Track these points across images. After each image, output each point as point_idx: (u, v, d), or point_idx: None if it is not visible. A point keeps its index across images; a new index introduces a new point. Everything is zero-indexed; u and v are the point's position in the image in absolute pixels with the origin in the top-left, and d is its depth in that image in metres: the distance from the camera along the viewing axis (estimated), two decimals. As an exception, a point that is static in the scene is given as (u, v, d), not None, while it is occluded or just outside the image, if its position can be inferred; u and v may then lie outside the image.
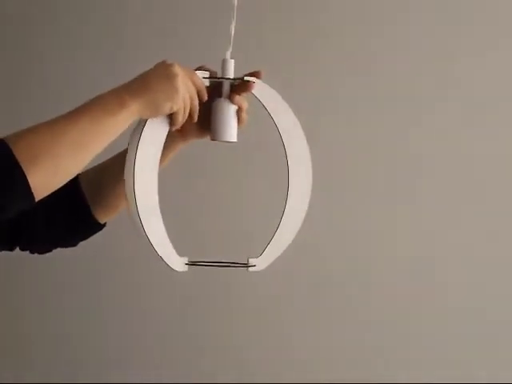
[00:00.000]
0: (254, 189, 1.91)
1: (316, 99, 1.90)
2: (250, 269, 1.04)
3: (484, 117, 1.89)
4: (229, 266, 1.04)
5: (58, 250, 1.88)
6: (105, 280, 1.96)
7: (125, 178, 1.00)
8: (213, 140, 1.05)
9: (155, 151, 1.00)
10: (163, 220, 1.01)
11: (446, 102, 1.90)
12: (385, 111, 1.91)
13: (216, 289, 1.92)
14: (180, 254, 1.03)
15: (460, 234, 1.89)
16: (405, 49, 1.91)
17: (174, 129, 1.01)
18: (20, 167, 0.87)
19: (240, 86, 1.04)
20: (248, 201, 1.93)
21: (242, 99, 1.03)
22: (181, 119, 1.00)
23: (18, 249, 1.14)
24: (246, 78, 1.03)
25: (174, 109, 0.98)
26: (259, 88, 1.04)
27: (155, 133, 1.00)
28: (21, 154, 0.87)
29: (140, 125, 0.99)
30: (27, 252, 1.16)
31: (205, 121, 1.05)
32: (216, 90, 1.04)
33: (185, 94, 0.98)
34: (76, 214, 1.11)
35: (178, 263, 1.02)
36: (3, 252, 1.14)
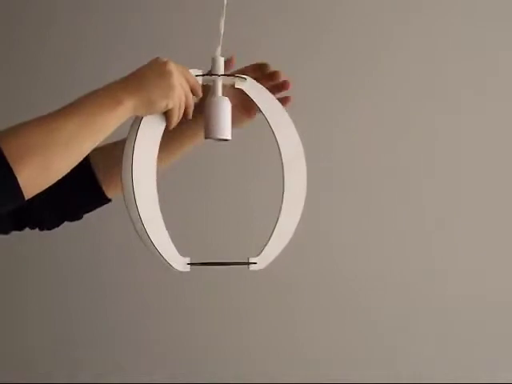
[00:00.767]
0: (253, 188, 1.91)
1: (313, 98, 1.89)
2: (251, 267, 1.04)
3: (484, 117, 1.89)
4: (230, 265, 1.04)
5: (59, 249, 1.90)
6: (105, 280, 1.96)
7: (122, 178, 0.99)
8: (206, 138, 1.04)
9: (152, 149, 1.00)
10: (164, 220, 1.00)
11: (446, 101, 1.89)
12: (385, 111, 1.90)
13: (217, 288, 1.92)
14: (181, 254, 1.02)
15: (461, 233, 1.88)
16: (406, 49, 1.90)
17: (170, 127, 1.00)
18: (9, 165, 0.85)
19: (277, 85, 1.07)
20: (247, 200, 1.92)
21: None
22: (176, 117, 1.00)
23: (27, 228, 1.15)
24: (236, 75, 1.04)
25: (170, 106, 0.98)
26: (253, 87, 1.04)
27: (151, 130, 0.99)
28: (10, 151, 0.86)
29: (136, 123, 0.99)
30: (36, 230, 1.16)
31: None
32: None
33: (180, 92, 0.98)
34: (86, 189, 1.11)
35: (180, 263, 1.02)
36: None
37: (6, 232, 1.13)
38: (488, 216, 1.88)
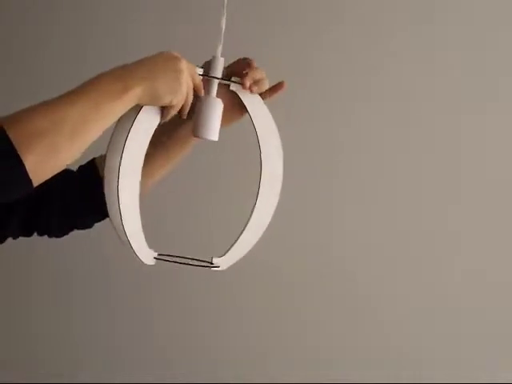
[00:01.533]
0: (227, 187, 1.91)
1: (311, 99, 1.90)
2: (213, 269, 1.06)
3: (486, 118, 1.89)
4: (193, 265, 1.05)
5: (61, 248, 1.89)
6: (105, 280, 1.97)
7: (107, 161, 0.99)
8: (195, 137, 1.04)
9: (144, 142, 1.00)
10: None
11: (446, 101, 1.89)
12: (385, 112, 1.91)
13: (217, 288, 1.92)
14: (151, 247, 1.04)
15: (462, 233, 1.88)
16: (407, 49, 1.90)
17: (161, 121, 1.00)
18: (16, 152, 0.84)
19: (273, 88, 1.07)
20: (219, 200, 1.92)
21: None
22: (174, 113, 1.00)
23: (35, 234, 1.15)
24: (233, 79, 1.04)
25: (173, 103, 0.98)
26: (246, 93, 1.05)
27: (147, 122, 0.99)
28: (16, 138, 0.84)
29: (133, 111, 0.98)
30: (45, 236, 1.16)
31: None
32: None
33: (185, 91, 0.98)
34: (93, 199, 1.09)
35: (147, 256, 1.04)
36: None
37: (14, 237, 1.12)
38: (489, 217, 1.88)
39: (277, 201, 1.07)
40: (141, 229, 1.01)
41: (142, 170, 1.00)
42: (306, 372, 1.90)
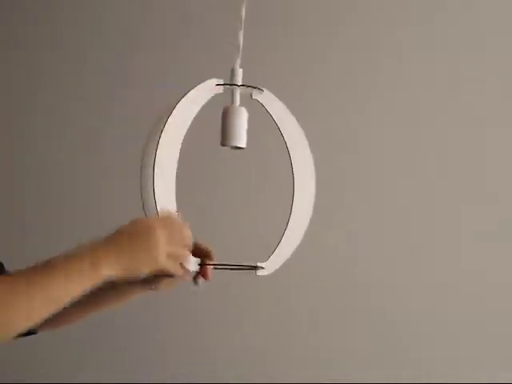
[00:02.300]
0: (263, 193, 1.93)
1: (321, 103, 1.93)
2: (258, 272, 1.07)
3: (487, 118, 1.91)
4: (239, 269, 1.06)
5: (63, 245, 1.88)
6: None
7: (142, 185, 1.01)
8: (222, 145, 1.06)
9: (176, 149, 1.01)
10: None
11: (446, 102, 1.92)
12: (387, 112, 1.93)
13: (217, 288, 1.92)
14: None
15: (465, 233, 1.90)
16: (409, 49, 1.93)
17: (180, 279, 1.01)
18: None
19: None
20: (257, 205, 1.94)
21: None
22: (174, 271, 0.98)
23: None
24: (254, 86, 1.06)
25: (153, 273, 0.96)
26: (269, 100, 1.07)
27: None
28: None
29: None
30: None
31: None
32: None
33: (163, 259, 0.96)
34: None
35: (191, 263, 1.03)
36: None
37: None
38: (489, 216, 1.89)
39: (313, 201, 1.08)
40: None
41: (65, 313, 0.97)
42: (307, 372, 1.91)
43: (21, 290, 0.88)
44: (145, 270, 0.95)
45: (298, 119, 1.09)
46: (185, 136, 1.01)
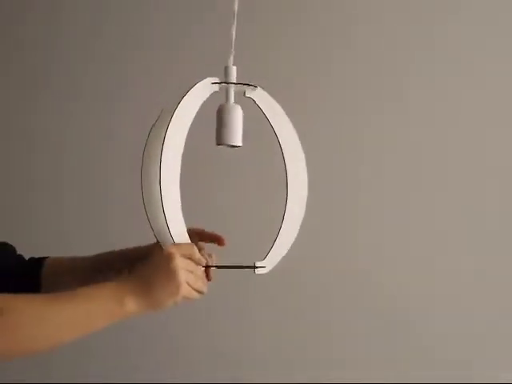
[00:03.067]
0: (258, 191, 1.92)
1: (318, 101, 1.92)
2: (257, 271, 1.07)
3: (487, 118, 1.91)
4: (238, 268, 1.06)
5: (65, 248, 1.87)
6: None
7: (143, 189, 1.01)
8: (218, 145, 1.05)
9: (176, 158, 1.01)
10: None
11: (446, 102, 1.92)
12: (388, 112, 1.93)
13: (217, 288, 1.92)
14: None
15: (469, 232, 1.90)
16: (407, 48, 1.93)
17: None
18: None
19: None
20: (252, 203, 1.93)
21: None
22: (192, 297, 1.00)
23: None
24: (248, 84, 1.05)
25: (178, 302, 0.98)
26: (262, 97, 1.06)
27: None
28: (5, 329, 0.88)
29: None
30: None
31: None
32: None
33: (185, 287, 0.98)
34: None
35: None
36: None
37: None
38: (491, 216, 1.89)
39: (306, 197, 1.09)
40: (188, 240, 1.02)
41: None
42: (308, 372, 1.91)
43: (41, 317, 0.89)
44: (169, 303, 0.96)
45: (292, 117, 1.08)
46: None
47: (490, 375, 1.84)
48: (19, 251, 1.20)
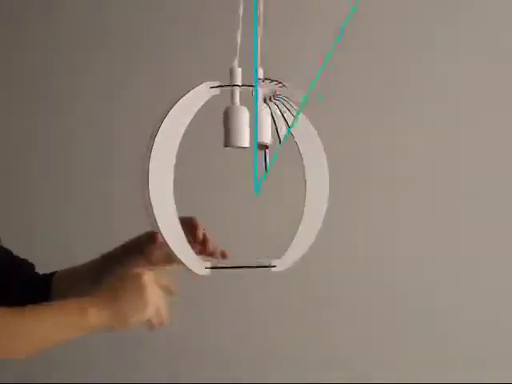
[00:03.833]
0: (274, 191, 1.91)
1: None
2: (273, 269, 1.06)
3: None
4: (251, 267, 1.05)
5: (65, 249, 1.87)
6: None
7: (141, 186, 1.01)
8: (226, 146, 1.06)
9: (171, 154, 1.01)
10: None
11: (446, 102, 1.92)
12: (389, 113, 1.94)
13: (218, 288, 1.93)
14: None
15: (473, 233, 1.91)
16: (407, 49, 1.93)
17: (151, 330, 1.01)
18: None
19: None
20: (268, 204, 1.92)
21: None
22: (155, 324, 1.00)
23: None
24: (251, 85, 1.06)
25: (143, 320, 0.98)
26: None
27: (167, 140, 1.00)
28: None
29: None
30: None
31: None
32: None
33: (153, 306, 0.98)
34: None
35: (199, 268, 1.03)
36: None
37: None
38: (491, 217, 1.90)
39: (327, 193, 1.09)
40: (186, 242, 1.02)
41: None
42: (310, 372, 1.91)
43: (11, 330, 0.92)
44: (133, 319, 0.96)
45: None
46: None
47: (489, 375, 1.84)
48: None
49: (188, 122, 1.01)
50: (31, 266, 1.23)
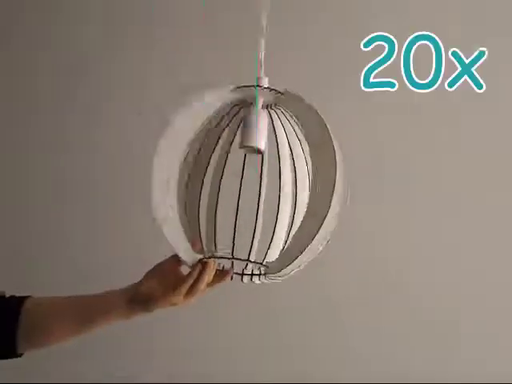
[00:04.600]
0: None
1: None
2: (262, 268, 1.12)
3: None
4: (237, 260, 1.11)
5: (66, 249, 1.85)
6: (107, 280, 1.96)
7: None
8: (241, 148, 1.07)
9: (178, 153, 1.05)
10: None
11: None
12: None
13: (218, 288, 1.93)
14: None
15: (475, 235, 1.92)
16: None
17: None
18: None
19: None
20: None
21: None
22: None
23: None
24: (274, 89, 1.07)
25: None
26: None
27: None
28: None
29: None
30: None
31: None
32: None
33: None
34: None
35: (191, 258, 1.08)
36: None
37: None
38: (492, 217, 1.92)
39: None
40: (182, 233, 1.06)
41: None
42: (309, 373, 1.93)
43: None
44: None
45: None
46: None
47: (490, 375, 1.85)
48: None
49: (205, 118, 1.06)
50: None
